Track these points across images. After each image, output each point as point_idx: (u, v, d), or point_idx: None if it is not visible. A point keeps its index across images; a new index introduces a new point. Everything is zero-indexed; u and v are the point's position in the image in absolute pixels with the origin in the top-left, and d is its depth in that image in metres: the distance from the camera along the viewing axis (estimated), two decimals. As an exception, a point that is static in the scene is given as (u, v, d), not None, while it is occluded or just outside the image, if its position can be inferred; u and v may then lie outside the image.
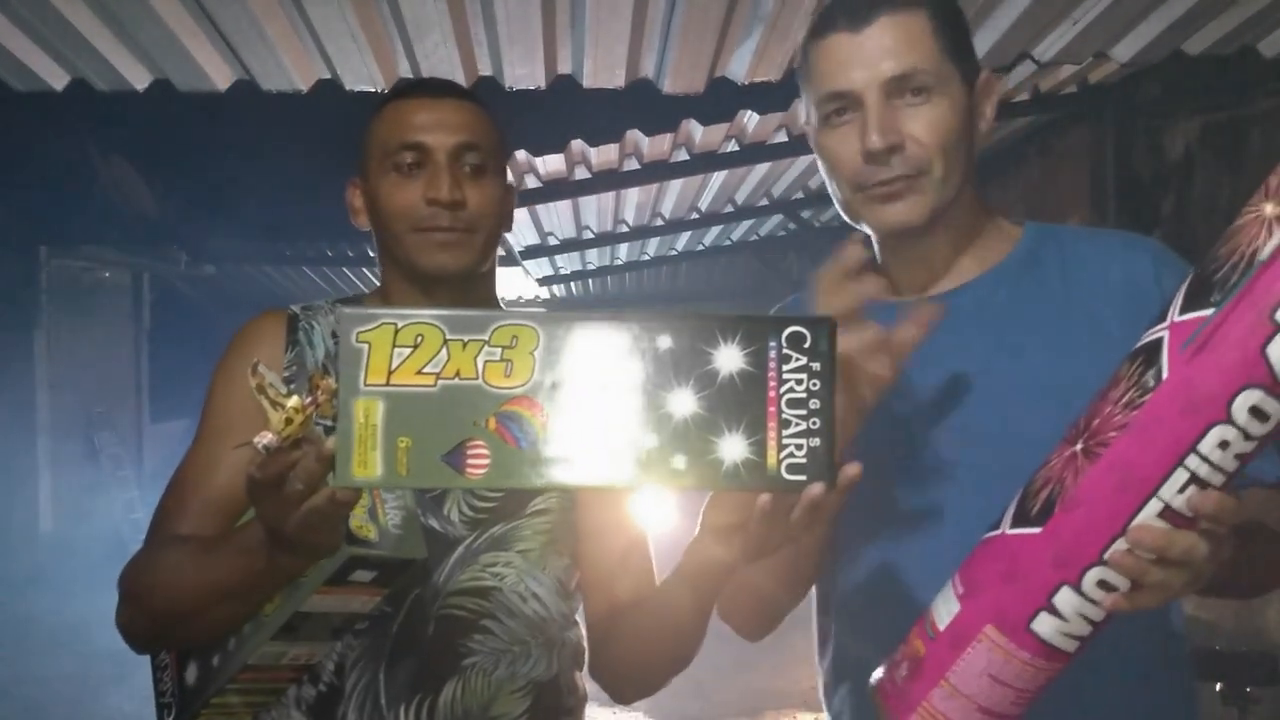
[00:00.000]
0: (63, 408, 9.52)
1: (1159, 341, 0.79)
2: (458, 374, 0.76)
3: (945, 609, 0.89)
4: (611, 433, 0.75)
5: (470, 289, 1.26)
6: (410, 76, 2.92)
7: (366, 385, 0.76)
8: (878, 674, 0.94)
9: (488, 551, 1.20)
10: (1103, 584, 0.80)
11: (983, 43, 3.00)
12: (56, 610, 6.92)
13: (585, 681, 1.30)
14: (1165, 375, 0.78)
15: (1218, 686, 2.52)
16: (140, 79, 2.94)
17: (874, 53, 1.04)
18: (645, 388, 0.75)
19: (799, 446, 0.76)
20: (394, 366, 0.76)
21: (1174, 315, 0.80)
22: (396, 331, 0.76)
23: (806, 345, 0.76)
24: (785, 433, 0.76)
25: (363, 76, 2.91)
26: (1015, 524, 0.85)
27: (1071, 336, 1.07)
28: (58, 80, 2.91)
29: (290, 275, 9.89)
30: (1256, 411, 0.74)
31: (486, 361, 0.76)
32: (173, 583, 1.08)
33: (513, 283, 8.63)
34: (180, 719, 1.10)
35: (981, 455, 1.05)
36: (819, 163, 1.12)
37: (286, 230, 8.86)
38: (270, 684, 1.11)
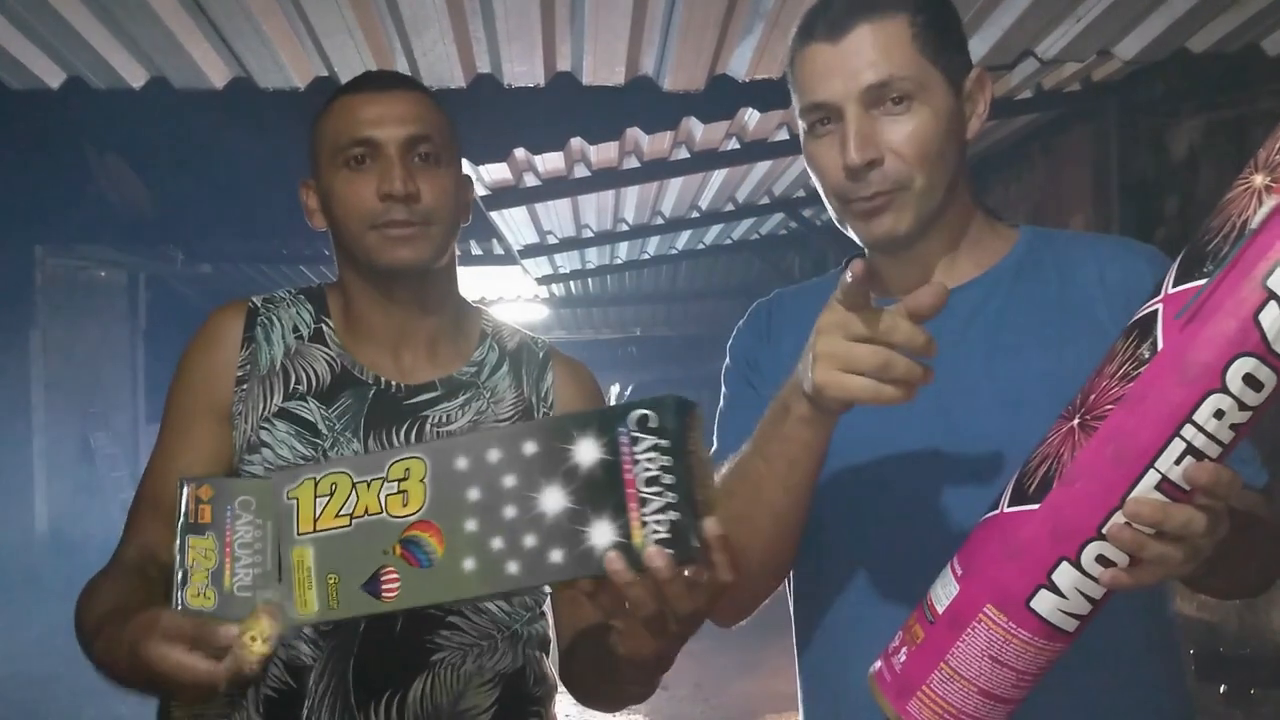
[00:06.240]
0: (58, 407, 9.50)
1: (1154, 314, 0.80)
2: (366, 511, 0.85)
3: (944, 591, 0.88)
4: (497, 541, 0.82)
5: (429, 283, 1.24)
6: (407, 74, 2.91)
7: (299, 535, 0.87)
8: (875, 663, 0.93)
9: None
10: (1101, 559, 0.80)
11: (985, 40, 2.99)
12: (51, 611, 6.89)
13: (554, 671, 1.29)
14: (1160, 346, 0.78)
15: (1222, 688, 2.52)
16: (137, 77, 2.92)
17: (852, 63, 1.02)
18: (519, 493, 0.81)
19: (660, 522, 0.78)
20: (318, 514, 0.86)
21: (1168, 287, 0.80)
22: (316, 484, 0.87)
23: (652, 425, 0.79)
24: (644, 511, 0.79)
25: (361, 74, 2.90)
26: (1013, 502, 0.85)
27: (1069, 338, 1.06)
28: (54, 78, 2.90)
29: (287, 274, 9.87)
30: (1250, 380, 0.75)
31: (387, 495, 0.85)
32: (104, 650, 0.99)
33: (512, 282, 8.61)
34: None
35: (978, 458, 1.04)
36: (809, 170, 1.12)
37: (283, 229, 8.83)
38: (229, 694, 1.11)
